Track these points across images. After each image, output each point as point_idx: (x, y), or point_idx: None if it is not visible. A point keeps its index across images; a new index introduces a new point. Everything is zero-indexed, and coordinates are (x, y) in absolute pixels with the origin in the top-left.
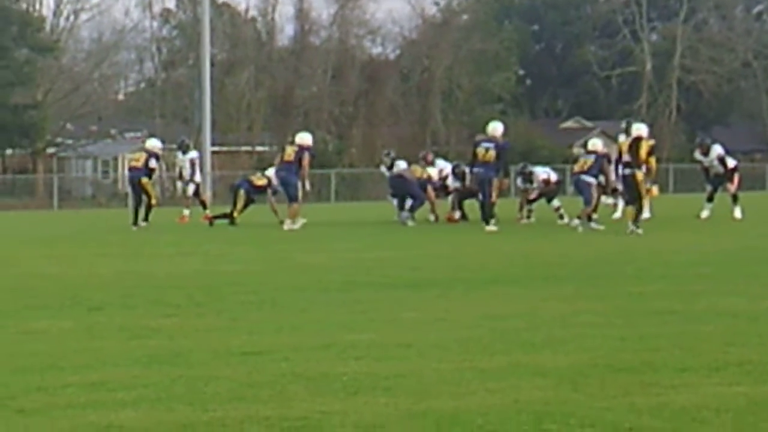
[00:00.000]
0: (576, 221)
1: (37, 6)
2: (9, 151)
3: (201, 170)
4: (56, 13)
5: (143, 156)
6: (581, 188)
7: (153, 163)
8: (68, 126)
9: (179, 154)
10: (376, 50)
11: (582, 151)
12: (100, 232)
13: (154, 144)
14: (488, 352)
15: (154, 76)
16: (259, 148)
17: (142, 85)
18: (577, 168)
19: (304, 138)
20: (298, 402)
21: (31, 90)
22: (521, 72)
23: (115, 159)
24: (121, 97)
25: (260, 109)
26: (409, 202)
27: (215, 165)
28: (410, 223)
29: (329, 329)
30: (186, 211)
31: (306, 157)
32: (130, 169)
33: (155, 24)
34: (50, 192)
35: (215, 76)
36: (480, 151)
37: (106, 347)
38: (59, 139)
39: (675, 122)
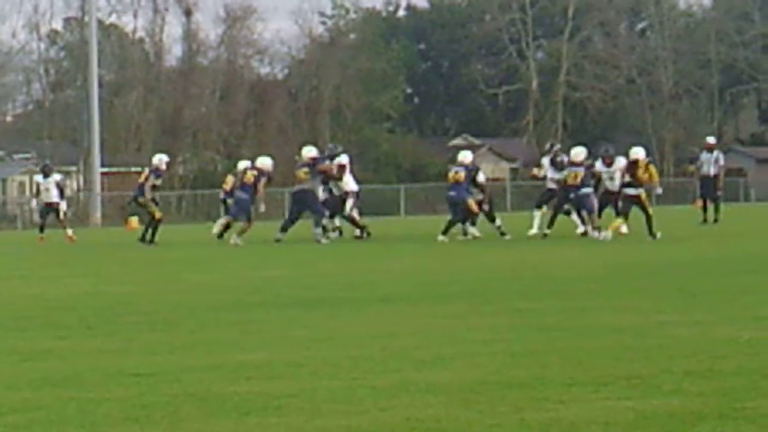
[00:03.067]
0: (603, 233)
1: None
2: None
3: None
4: None
5: (145, 173)
6: (583, 203)
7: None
8: None
9: (41, 178)
10: (265, 70)
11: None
12: None
13: (161, 159)
14: (379, 369)
15: (42, 97)
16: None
17: (30, 106)
18: (570, 182)
19: (265, 163)
20: (191, 423)
21: None
22: (409, 90)
23: (4, 181)
24: (9, 118)
25: (149, 129)
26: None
27: (105, 186)
28: (324, 240)
29: (221, 349)
30: (69, 231)
31: (262, 181)
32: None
33: (42, 45)
34: None
35: (104, 97)
36: (450, 174)
37: None
38: None
39: (561, 139)
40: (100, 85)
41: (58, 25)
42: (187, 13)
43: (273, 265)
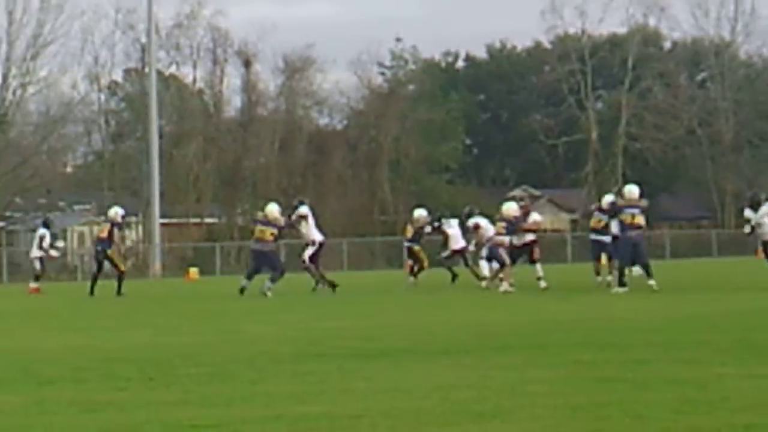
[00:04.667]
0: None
1: None
2: None
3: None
4: (3, 87)
5: (107, 226)
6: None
7: (116, 233)
8: (17, 199)
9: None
10: (324, 121)
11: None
12: (50, 305)
13: (116, 212)
14: (439, 422)
15: (102, 148)
16: (208, 220)
17: (91, 157)
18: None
19: (272, 210)
20: None
21: None
22: (468, 141)
23: (65, 232)
24: (69, 169)
25: (209, 180)
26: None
27: (164, 237)
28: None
29: (280, 401)
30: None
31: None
32: (98, 240)
33: (103, 97)
34: None
35: (163, 148)
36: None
37: (57, 422)
38: (8, 213)
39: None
40: (160, 136)
41: (118, 76)
42: (247, 64)
43: (332, 316)
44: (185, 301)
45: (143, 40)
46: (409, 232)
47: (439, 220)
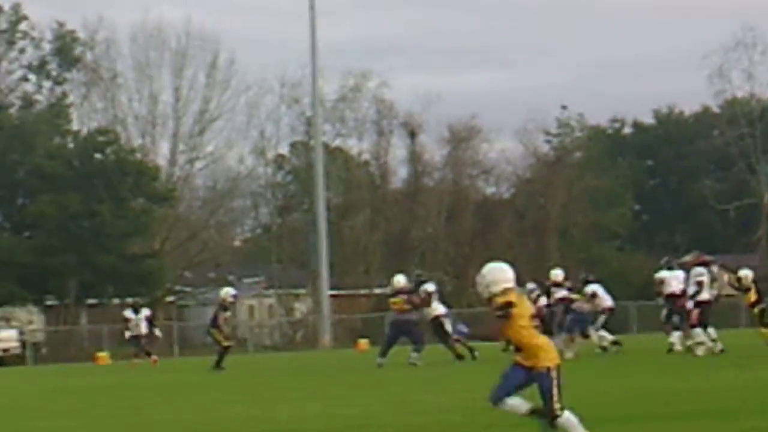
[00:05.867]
0: None
1: (153, 156)
2: (129, 300)
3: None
4: (171, 163)
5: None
6: None
7: (220, 314)
8: (186, 274)
9: (131, 313)
10: (491, 190)
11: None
12: (221, 378)
13: (227, 292)
14: None
15: (269, 221)
16: (376, 291)
17: (258, 230)
18: None
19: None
20: None
21: (148, 239)
22: (637, 207)
23: (233, 305)
24: (237, 243)
25: (376, 251)
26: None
27: (334, 308)
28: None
29: None
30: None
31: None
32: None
33: (269, 170)
34: (170, 340)
35: (330, 220)
36: None
37: None
38: (177, 287)
39: None
40: (327, 208)
41: (284, 149)
42: (412, 134)
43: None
44: (355, 371)
45: (309, 113)
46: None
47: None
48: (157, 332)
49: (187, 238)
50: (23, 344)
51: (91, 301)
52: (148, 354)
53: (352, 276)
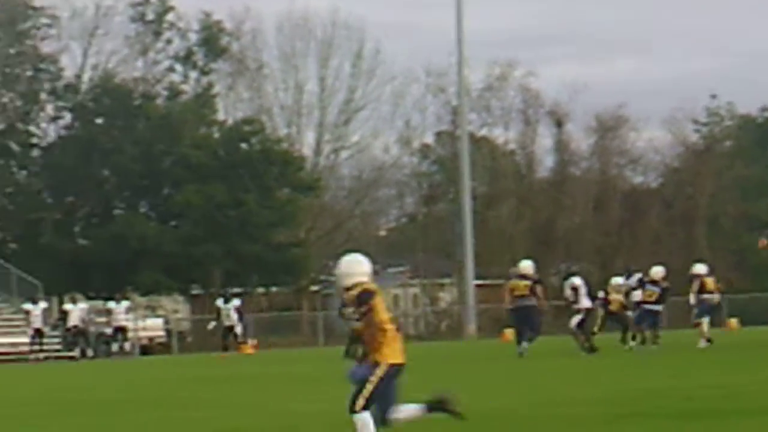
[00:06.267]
0: None
1: (298, 146)
2: (273, 289)
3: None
4: (316, 152)
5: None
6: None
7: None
8: (331, 263)
9: (221, 302)
10: (638, 179)
11: None
12: None
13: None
14: None
15: (414, 211)
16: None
17: (403, 220)
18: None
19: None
20: None
21: (293, 229)
22: None
23: None
24: (382, 232)
25: (522, 241)
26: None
27: (479, 298)
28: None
29: None
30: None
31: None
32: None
33: (415, 159)
34: (315, 329)
35: (476, 210)
36: None
37: None
38: (322, 277)
39: None
40: (473, 198)
41: (429, 139)
42: (559, 124)
43: (646, 376)
44: (499, 362)
45: (454, 102)
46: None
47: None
48: (239, 329)
49: (332, 228)
50: (169, 333)
51: (236, 290)
52: (241, 343)
53: (497, 266)
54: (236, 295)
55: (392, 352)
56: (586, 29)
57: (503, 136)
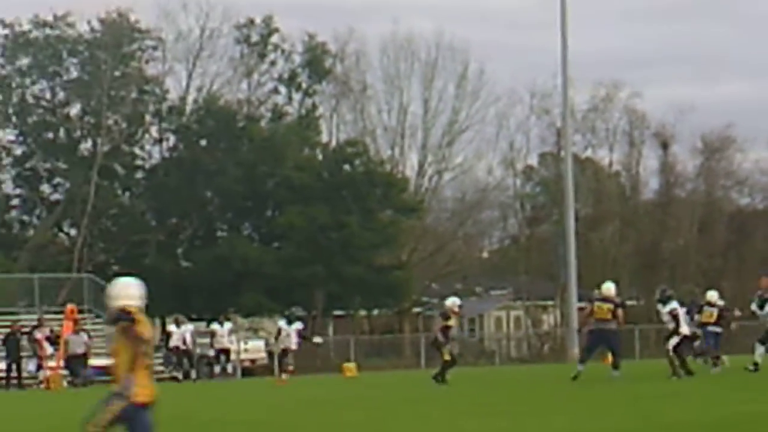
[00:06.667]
0: None
1: (401, 168)
2: (375, 312)
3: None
4: (420, 174)
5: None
6: None
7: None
8: (433, 285)
9: (284, 323)
10: (744, 201)
11: None
12: (466, 389)
13: (453, 302)
14: None
15: (518, 232)
16: (627, 303)
17: (507, 242)
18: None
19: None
20: None
21: (396, 251)
22: None
23: (481, 317)
24: (485, 254)
25: (626, 263)
26: None
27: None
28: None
29: None
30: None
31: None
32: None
33: (518, 181)
34: (417, 351)
35: (579, 231)
36: None
37: None
38: (424, 299)
39: None
40: (576, 219)
41: (533, 160)
42: (664, 145)
43: (752, 400)
44: (603, 384)
45: (558, 124)
46: None
47: None
48: (293, 345)
49: (434, 250)
50: (270, 355)
51: (338, 312)
52: (284, 371)
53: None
54: (299, 318)
55: (142, 388)
56: (693, 50)
57: (608, 157)
